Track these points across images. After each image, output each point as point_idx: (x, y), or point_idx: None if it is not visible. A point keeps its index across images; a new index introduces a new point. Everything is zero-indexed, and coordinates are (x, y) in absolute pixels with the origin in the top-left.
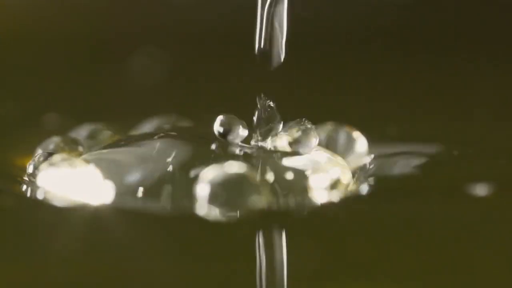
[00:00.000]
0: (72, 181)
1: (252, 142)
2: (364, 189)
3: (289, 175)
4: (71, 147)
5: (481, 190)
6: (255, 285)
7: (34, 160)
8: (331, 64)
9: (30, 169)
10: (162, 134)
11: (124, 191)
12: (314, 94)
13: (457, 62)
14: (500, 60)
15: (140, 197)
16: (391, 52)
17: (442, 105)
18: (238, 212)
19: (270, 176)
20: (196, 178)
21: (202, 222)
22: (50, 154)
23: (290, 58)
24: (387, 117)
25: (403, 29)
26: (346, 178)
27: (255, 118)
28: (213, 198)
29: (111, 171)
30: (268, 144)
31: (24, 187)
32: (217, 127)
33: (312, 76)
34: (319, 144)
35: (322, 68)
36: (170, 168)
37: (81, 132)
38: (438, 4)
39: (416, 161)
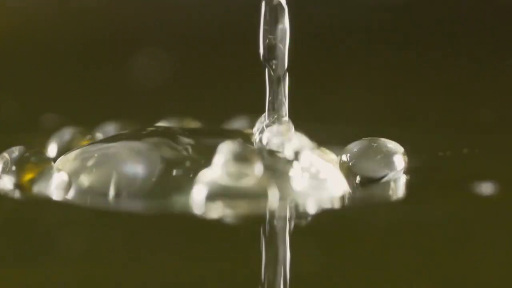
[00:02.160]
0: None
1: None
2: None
3: (291, 176)
4: (85, 138)
5: (484, 189)
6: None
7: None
8: (330, 65)
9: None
10: (162, 132)
11: (120, 190)
12: (313, 94)
13: (458, 62)
14: (502, 60)
15: (137, 197)
16: (392, 53)
17: (443, 105)
18: (237, 212)
19: (272, 176)
20: (194, 178)
21: (202, 222)
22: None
23: (291, 58)
24: (387, 117)
25: (403, 30)
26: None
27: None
28: (213, 198)
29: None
30: (273, 145)
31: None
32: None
33: (311, 77)
34: None
35: (322, 68)
36: (168, 167)
37: (107, 129)
38: (439, 4)
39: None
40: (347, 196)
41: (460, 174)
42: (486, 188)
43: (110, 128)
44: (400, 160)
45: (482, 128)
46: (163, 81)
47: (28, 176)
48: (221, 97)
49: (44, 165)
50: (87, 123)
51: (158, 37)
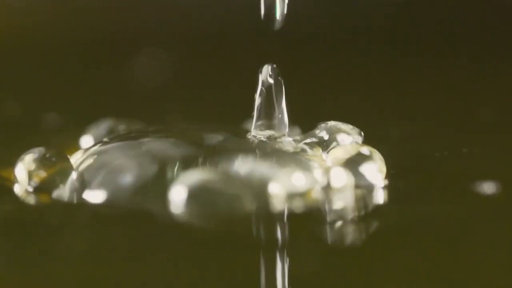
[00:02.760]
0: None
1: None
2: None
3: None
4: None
5: (484, 189)
6: None
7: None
8: (330, 65)
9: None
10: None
11: (119, 191)
12: (313, 95)
13: (458, 62)
14: (502, 60)
15: (135, 198)
16: (392, 52)
17: (443, 106)
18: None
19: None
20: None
21: (202, 223)
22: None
23: (291, 58)
24: (387, 117)
25: (403, 30)
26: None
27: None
28: (211, 198)
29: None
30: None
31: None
32: None
33: (311, 76)
34: None
35: (322, 68)
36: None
37: (100, 128)
38: (439, 4)
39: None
40: (344, 196)
41: (460, 174)
42: (486, 188)
43: (102, 128)
44: (380, 171)
45: (482, 128)
46: (163, 81)
47: (46, 177)
48: (221, 97)
49: (63, 166)
50: (87, 123)
51: (158, 37)
